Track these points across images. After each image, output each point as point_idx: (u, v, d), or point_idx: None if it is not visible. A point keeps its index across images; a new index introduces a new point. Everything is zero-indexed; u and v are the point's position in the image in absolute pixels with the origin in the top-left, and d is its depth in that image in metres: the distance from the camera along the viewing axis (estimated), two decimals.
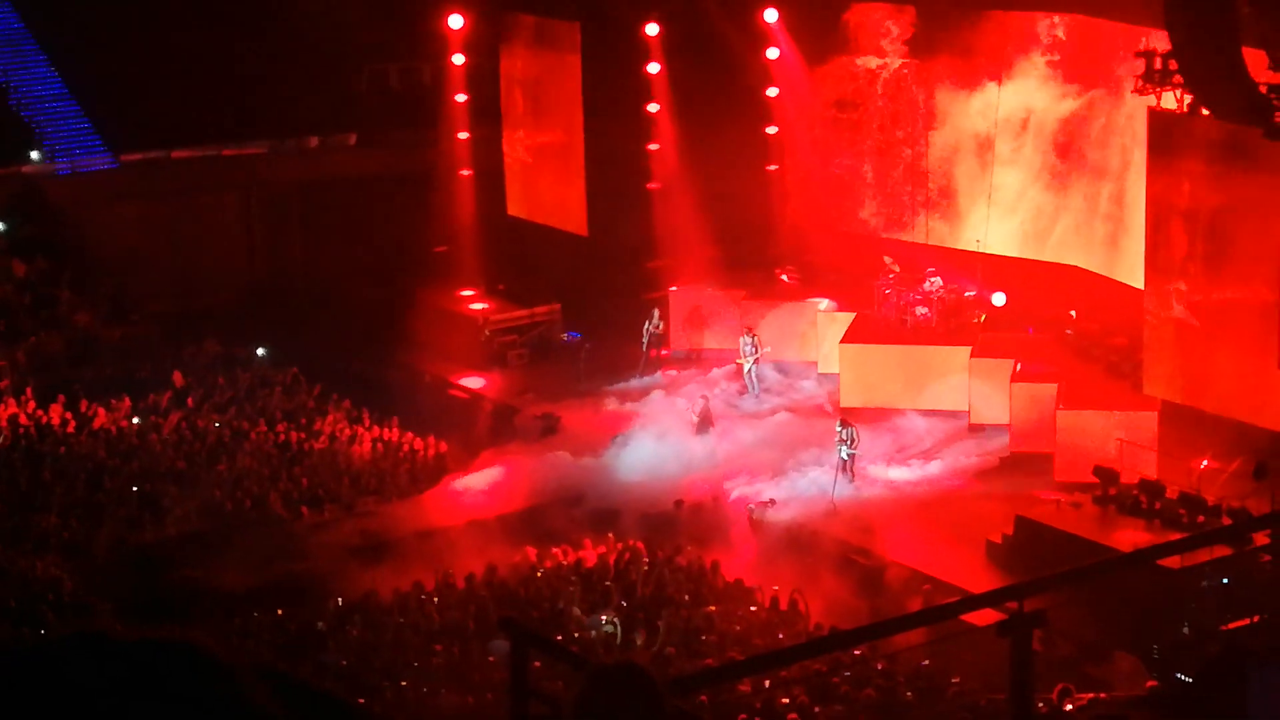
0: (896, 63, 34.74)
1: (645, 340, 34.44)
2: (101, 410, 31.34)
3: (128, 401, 31.63)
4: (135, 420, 31.11)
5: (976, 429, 30.68)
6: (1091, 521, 26.03)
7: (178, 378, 32.71)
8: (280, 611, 24.27)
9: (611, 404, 32.97)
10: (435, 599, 24.60)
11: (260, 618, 23.85)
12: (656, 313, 34.57)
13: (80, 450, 29.78)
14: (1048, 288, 32.38)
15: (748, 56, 35.76)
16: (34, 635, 22.57)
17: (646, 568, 25.38)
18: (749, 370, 33.19)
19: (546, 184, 38.08)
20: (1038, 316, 32.40)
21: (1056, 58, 32.28)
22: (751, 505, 28.03)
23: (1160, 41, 25.82)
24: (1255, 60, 24.64)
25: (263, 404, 32.08)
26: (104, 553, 26.95)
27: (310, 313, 37.59)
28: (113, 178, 39.17)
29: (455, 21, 37.51)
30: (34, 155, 38.65)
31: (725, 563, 25.84)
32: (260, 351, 35.01)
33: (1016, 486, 28.63)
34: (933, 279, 32.91)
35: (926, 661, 21.98)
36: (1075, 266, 32.31)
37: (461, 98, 38.18)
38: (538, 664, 19.91)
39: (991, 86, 33.31)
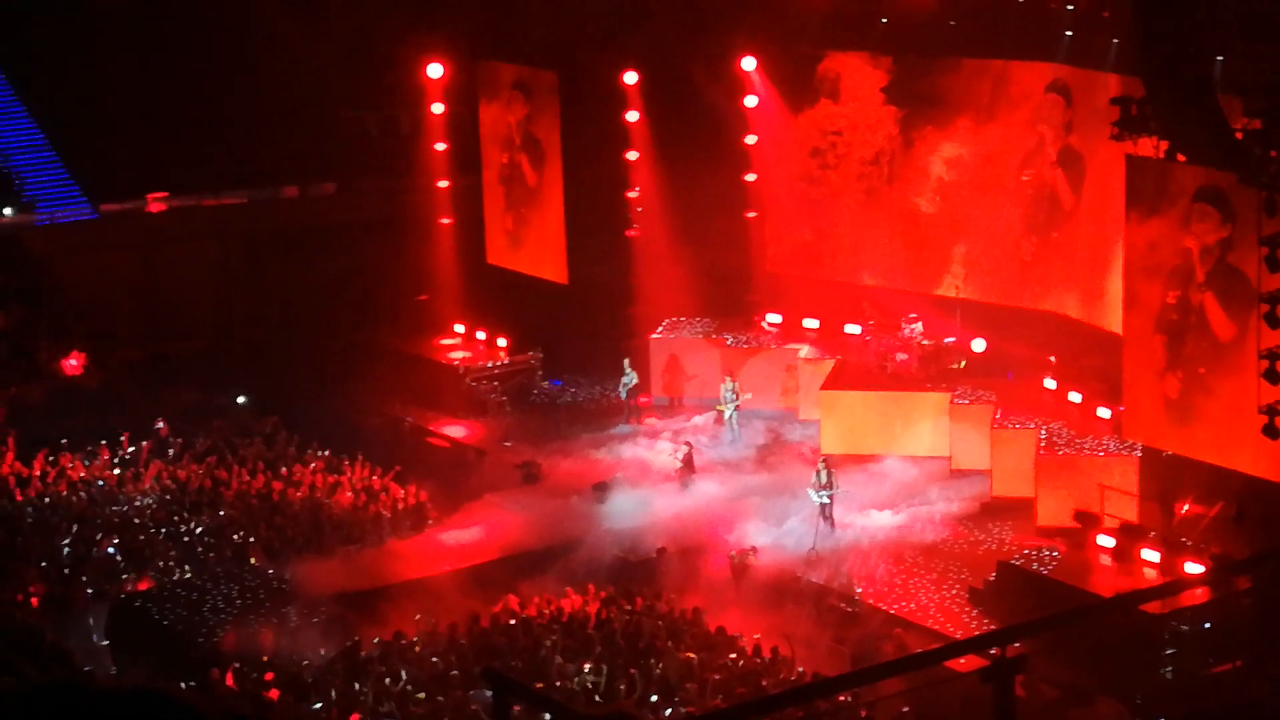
0: (874, 110, 34.87)
1: (623, 391, 34.47)
2: (81, 460, 31.24)
3: (106, 453, 31.51)
4: (116, 470, 31.01)
5: (958, 474, 30.72)
6: (1073, 566, 26.05)
7: (160, 428, 32.59)
8: (266, 659, 24.15)
9: (593, 452, 32.95)
10: (417, 648, 24.50)
11: (241, 669, 23.70)
12: (627, 362, 34.57)
13: (61, 501, 29.65)
14: (1028, 333, 32.45)
15: (726, 104, 35.89)
16: (12, 684, 22.45)
17: (628, 616, 25.30)
18: (730, 417, 33.19)
19: (526, 231, 38.12)
20: (1018, 362, 32.46)
21: (1034, 104, 32.44)
22: (733, 552, 27.97)
23: (1136, 88, 25.96)
24: (1230, 107, 24.78)
25: (243, 453, 31.97)
26: (84, 604, 26.81)
27: (289, 361, 37.58)
28: (91, 228, 39.16)
29: (434, 71, 37.64)
30: (7, 211, 38.58)
31: (707, 610, 25.75)
32: (240, 399, 34.97)
33: (998, 532, 28.71)
34: (913, 325, 32.98)
35: (906, 708, 21.95)
36: (1055, 312, 32.41)
37: (441, 146, 38.28)
38: (518, 709, 19.87)
39: (969, 134, 33.44)
